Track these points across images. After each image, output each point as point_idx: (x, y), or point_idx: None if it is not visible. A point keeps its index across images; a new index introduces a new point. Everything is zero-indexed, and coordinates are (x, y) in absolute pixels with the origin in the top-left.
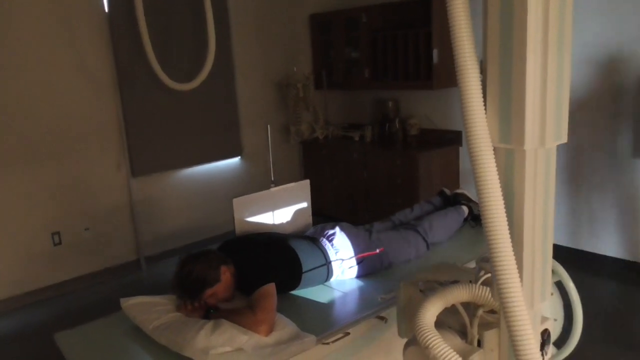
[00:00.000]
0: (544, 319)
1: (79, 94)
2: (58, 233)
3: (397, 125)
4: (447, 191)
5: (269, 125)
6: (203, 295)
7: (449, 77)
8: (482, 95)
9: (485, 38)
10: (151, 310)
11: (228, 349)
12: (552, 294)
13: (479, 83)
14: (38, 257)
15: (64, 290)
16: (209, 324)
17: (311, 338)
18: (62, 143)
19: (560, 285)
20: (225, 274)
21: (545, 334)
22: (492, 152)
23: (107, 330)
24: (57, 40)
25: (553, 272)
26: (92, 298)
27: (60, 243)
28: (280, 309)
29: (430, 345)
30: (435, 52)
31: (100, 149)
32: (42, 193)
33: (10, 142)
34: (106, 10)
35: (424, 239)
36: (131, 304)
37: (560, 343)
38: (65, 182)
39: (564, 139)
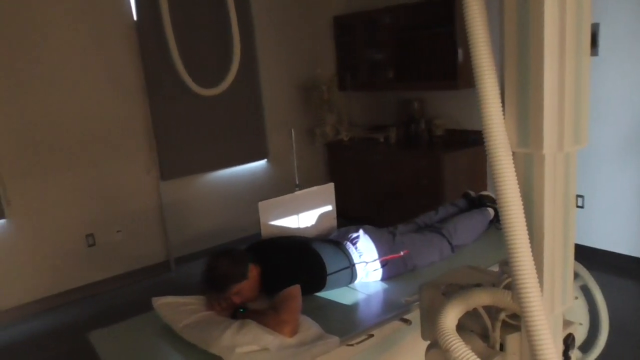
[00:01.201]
0: (568, 323)
1: (110, 100)
2: (92, 235)
3: (423, 126)
4: (472, 193)
5: (292, 130)
6: (229, 291)
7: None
8: (500, 99)
9: (502, 41)
10: (181, 310)
11: (253, 347)
12: (576, 298)
13: (497, 86)
14: (73, 257)
15: (97, 291)
16: (236, 323)
17: (335, 339)
18: (95, 148)
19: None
20: (252, 272)
21: (569, 339)
22: (511, 156)
23: (139, 328)
24: (88, 48)
25: (577, 275)
26: (124, 298)
27: (94, 244)
28: (304, 311)
29: (451, 348)
30: (459, 52)
31: (131, 153)
32: (78, 196)
33: (47, 148)
34: (135, 18)
35: (448, 241)
36: (162, 303)
37: (587, 347)
38: (99, 186)
39: (584, 143)
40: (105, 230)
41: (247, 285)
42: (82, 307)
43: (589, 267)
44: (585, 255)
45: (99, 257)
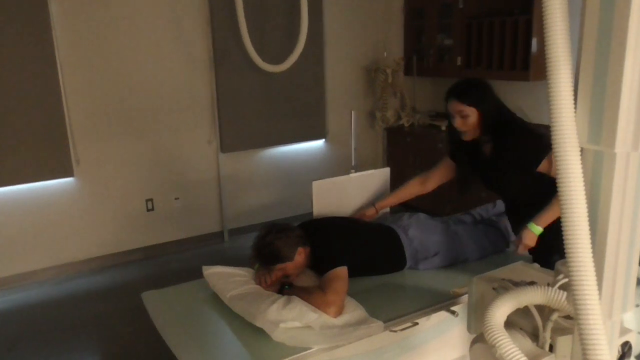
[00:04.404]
0: (626, 331)
1: (179, 70)
2: (151, 200)
3: None
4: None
5: (353, 111)
6: (274, 267)
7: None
8: (572, 91)
9: (581, 30)
10: (229, 280)
11: (297, 324)
12: (637, 306)
13: (571, 78)
14: (132, 220)
15: (153, 254)
16: (282, 299)
17: (379, 324)
18: (160, 116)
19: None
20: (300, 255)
21: (625, 346)
22: (579, 152)
23: (188, 294)
24: (161, 17)
25: None
26: (177, 263)
27: (152, 209)
28: (350, 293)
29: (497, 344)
30: (534, 42)
31: (194, 124)
32: (141, 161)
33: (116, 113)
34: None
35: (504, 236)
36: (212, 272)
37: None
38: (161, 153)
39: None
40: (164, 197)
41: (292, 266)
42: (139, 268)
43: None
44: None
45: (156, 222)
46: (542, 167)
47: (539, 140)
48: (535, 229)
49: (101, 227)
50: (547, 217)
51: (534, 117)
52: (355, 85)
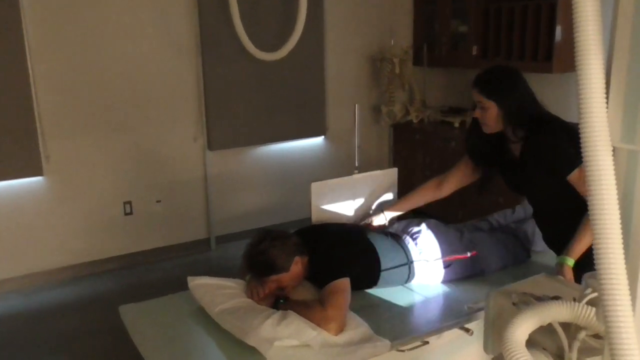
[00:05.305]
0: None
1: (161, 58)
2: (130, 203)
3: None
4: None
5: (357, 105)
6: (267, 278)
7: (574, 60)
8: (604, 86)
9: (614, 16)
10: (218, 293)
11: (294, 342)
12: None
13: (602, 71)
14: (108, 225)
15: (132, 262)
16: (277, 314)
17: (385, 343)
18: (140, 110)
19: None
20: (297, 265)
21: None
22: (611, 152)
23: (172, 308)
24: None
25: None
26: (159, 273)
27: (131, 213)
28: (353, 308)
29: None
30: (558, 29)
31: (177, 118)
32: (118, 159)
33: (90, 105)
34: None
35: (523, 245)
36: (198, 283)
37: None
38: (140, 150)
39: None
40: (144, 199)
41: (287, 277)
42: (115, 279)
43: None
44: None
45: (135, 228)
46: (573, 176)
47: (576, 145)
48: (570, 262)
49: (73, 232)
50: (580, 246)
51: (557, 112)
52: (359, 77)
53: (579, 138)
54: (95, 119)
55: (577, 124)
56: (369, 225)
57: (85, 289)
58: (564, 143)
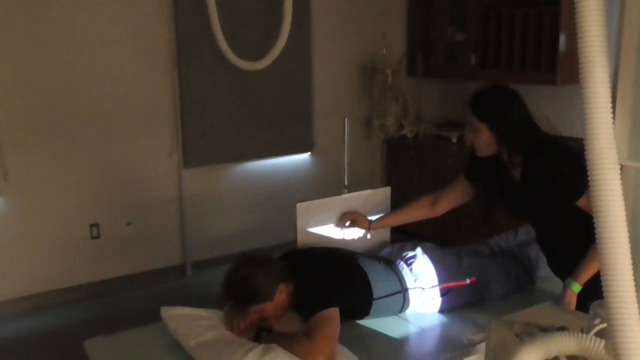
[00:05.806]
0: None
1: (132, 67)
2: (97, 225)
3: None
4: None
5: (346, 118)
6: (248, 308)
7: (578, 71)
8: (610, 101)
9: (620, 29)
10: (194, 325)
11: None
12: None
13: (608, 85)
14: (73, 250)
15: (99, 291)
16: (259, 348)
17: None
18: (108, 123)
19: None
20: (281, 294)
21: None
22: (618, 170)
23: (143, 341)
24: (113, 2)
25: None
26: (129, 303)
27: (98, 237)
28: (343, 340)
29: None
30: (562, 38)
31: (150, 132)
32: (84, 178)
33: (54, 117)
34: None
35: (527, 271)
36: (172, 314)
37: None
38: (109, 167)
39: None
40: (113, 222)
41: (270, 307)
42: (81, 310)
43: None
44: None
45: (103, 253)
46: (582, 202)
47: (582, 169)
48: (576, 287)
49: (35, 258)
50: (588, 271)
51: (561, 127)
52: (349, 88)
53: (584, 160)
54: (59, 132)
55: (582, 142)
56: (350, 218)
57: (47, 321)
58: (566, 169)
